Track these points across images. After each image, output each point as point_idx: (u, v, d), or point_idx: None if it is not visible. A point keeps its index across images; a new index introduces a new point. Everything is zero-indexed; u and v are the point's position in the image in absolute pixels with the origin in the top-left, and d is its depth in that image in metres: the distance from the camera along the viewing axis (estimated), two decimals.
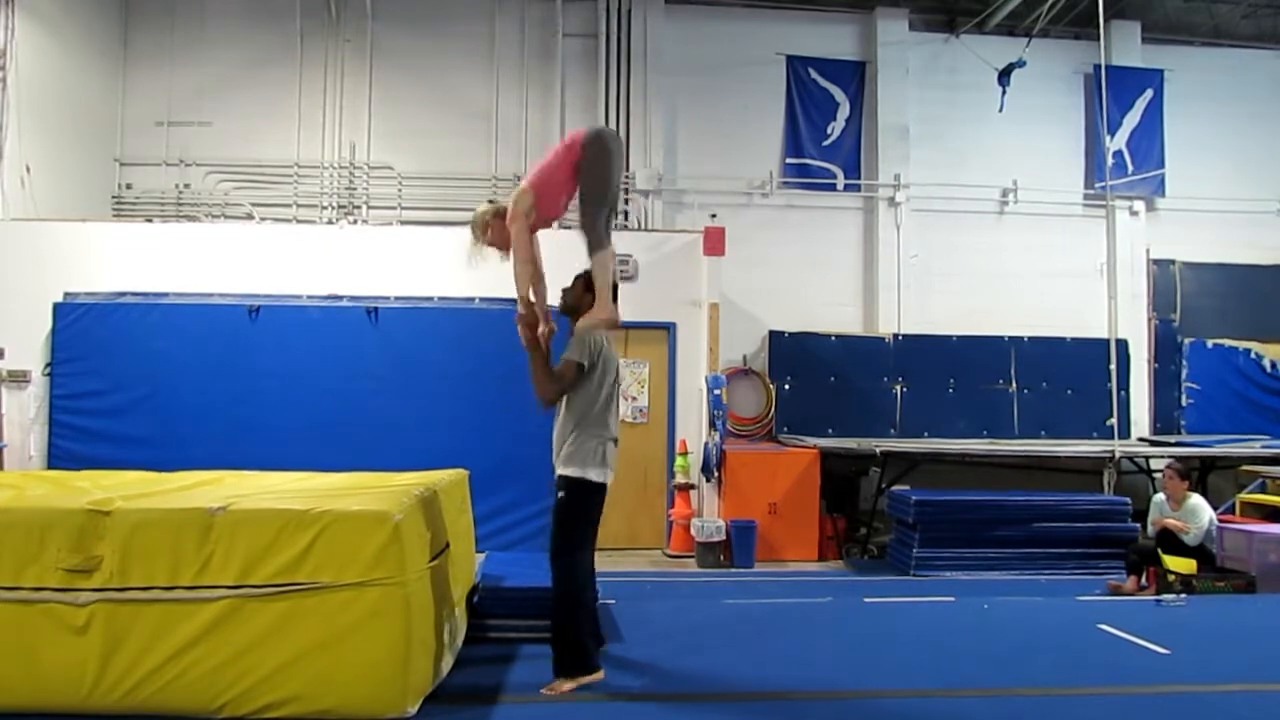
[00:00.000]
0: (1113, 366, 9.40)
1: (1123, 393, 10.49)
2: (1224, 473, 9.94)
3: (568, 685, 4.18)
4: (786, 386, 10.60)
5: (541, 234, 4.70)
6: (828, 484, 9.23)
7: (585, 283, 4.56)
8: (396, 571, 3.74)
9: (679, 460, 9.16)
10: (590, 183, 4.45)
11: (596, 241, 4.42)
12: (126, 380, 8.43)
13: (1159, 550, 7.36)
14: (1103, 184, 10.31)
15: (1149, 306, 11.46)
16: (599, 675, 4.28)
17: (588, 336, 4.37)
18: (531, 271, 4.56)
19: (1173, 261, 11.55)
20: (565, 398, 4.39)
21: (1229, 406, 11.04)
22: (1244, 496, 8.92)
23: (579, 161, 4.45)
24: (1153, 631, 5.26)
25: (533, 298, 4.57)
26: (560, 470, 4.32)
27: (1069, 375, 10.86)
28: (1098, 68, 9.86)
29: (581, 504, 4.30)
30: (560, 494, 4.30)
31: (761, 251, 10.80)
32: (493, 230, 4.56)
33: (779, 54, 11.20)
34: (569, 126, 10.76)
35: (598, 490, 4.31)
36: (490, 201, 4.74)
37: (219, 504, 3.83)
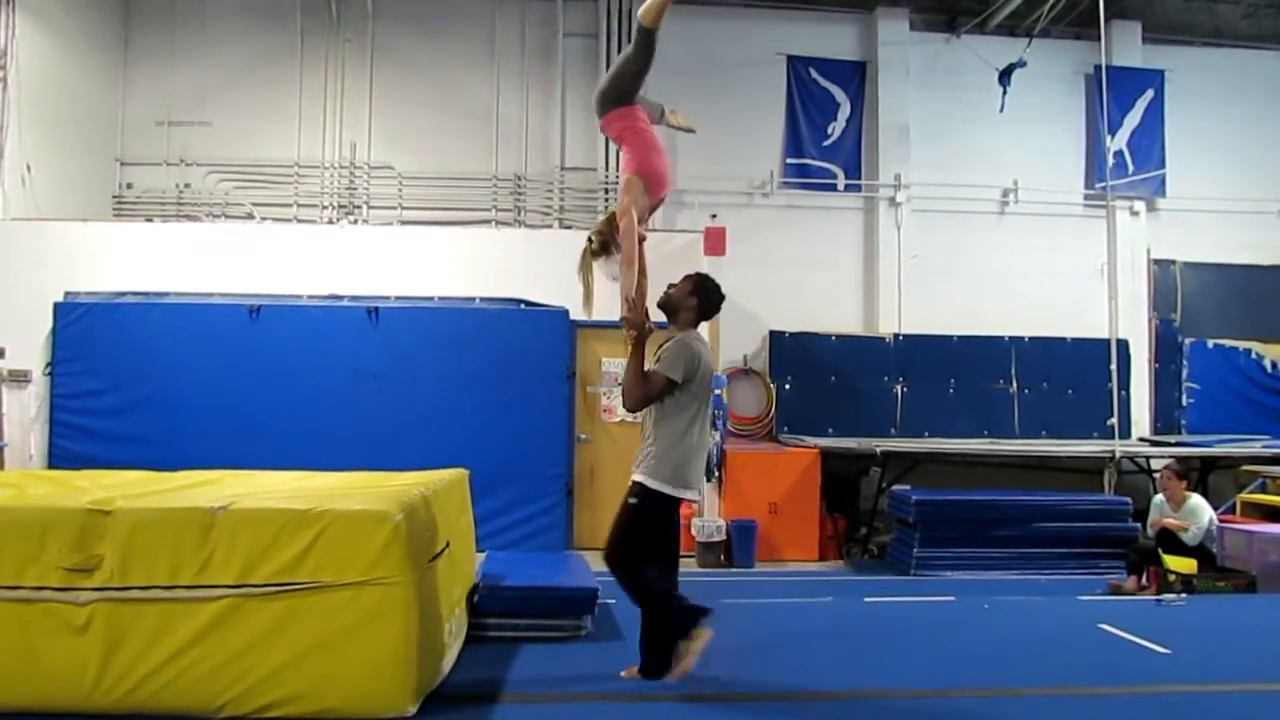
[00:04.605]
0: (1113, 366, 9.41)
1: (1123, 393, 10.47)
2: (1224, 473, 9.93)
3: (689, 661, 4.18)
4: (787, 386, 10.59)
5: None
6: (828, 484, 9.23)
7: (694, 284, 4.47)
8: (397, 571, 3.73)
9: None
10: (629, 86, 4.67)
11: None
12: (127, 380, 8.43)
13: (1159, 550, 7.37)
14: (1103, 184, 10.30)
15: (1149, 306, 11.44)
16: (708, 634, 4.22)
17: (686, 351, 4.27)
18: (638, 268, 4.45)
19: (1173, 262, 11.53)
20: (654, 407, 4.28)
21: (1229, 406, 11.04)
22: (1244, 496, 8.92)
23: (628, 114, 4.60)
24: (1153, 631, 5.25)
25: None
26: (634, 475, 4.26)
27: (1069, 375, 10.85)
28: (1098, 68, 9.87)
29: (648, 514, 4.22)
30: (631, 500, 4.23)
31: (762, 251, 10.79)
32: (617, 234, 4.49)
33: (779, 54, 11.18)
34: (569, 126, 10.79)
35: (670, 503, 4.23)
36: (594, 230, 4.66)
37: (219, 503, 3.83)
